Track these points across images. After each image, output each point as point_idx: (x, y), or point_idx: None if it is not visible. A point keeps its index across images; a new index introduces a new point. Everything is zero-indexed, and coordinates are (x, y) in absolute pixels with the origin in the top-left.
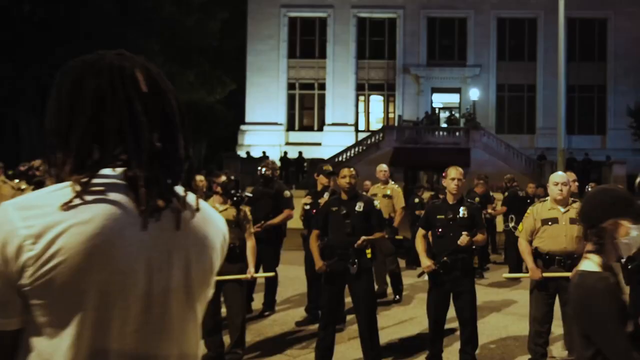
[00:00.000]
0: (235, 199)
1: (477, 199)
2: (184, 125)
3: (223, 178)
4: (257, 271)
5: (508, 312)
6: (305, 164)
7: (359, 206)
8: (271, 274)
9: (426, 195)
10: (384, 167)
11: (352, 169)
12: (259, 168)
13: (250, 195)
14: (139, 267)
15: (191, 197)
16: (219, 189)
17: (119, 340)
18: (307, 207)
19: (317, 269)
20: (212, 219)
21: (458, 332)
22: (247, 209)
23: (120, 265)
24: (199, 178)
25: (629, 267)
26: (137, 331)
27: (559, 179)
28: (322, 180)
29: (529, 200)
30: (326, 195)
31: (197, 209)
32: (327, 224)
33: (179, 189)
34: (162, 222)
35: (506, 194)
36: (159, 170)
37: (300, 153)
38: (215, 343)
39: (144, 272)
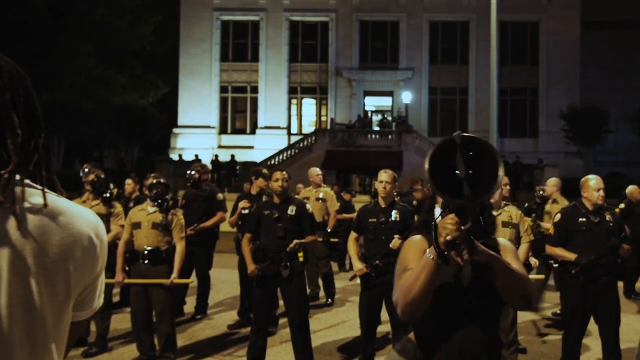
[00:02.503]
0: (159, 202)
1: (414, 202)
2: (19, 108)
3: (151, 181)
4: (190, 274)
5: None
6: (237, 167)
7: (291, 209)
8: (189, 280)
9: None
10: (318, 170)
11: (284, 173)
12: (188, 171)
13: (178, 199)
14: None
15: (33, 192)
16: (147, 191)
17: None
18: (246, 211)
19: (249, 272)
20: (70, 217)
21: (390, 335)
22: (179, 213)
23: None
24: (128, 182)
25: (572, 272)
26: None
27: None
28: (260, 183)
29: None
30: (265, 198)
31: (45, 206)
32: (260, 227)
33: (18, 185)
34: None
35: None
36: None
37: (232, 156)
38: (146, 346)
39: None
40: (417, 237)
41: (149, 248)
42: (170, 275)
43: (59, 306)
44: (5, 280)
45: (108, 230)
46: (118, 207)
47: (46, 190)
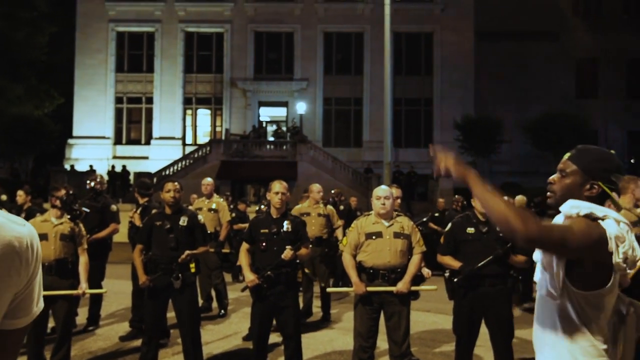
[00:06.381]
0: (74, 213)
1: None
2: None
3: (62, 192)
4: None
5: (333, 326)
6: (130, 178)
7: (183, 220)
8: (103, 290)
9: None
10: (208, 180)
11: (176, 183)
12: (88, 182)
13: (88, 210)
14: None
15: None
16: (57, 202)
17: None
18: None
19: (141, 283)
20: None
21: (282, 346)
22: (81, 224)
23: None
24: (19, 193)
25: (454, 280)
26: None
27: (382, 193)
28: (135, 193)
29: (359, 213)
30: (138, 211)
31: None
32: (151, 238)
33: None
34: None
35: (341, 207)
36: None
37: (124, 167)
38: (37, 357)
39: None
40: None
41: (55, 260)
42: (77, 286)
43: None
44: None
45: None
46: None
47: None
